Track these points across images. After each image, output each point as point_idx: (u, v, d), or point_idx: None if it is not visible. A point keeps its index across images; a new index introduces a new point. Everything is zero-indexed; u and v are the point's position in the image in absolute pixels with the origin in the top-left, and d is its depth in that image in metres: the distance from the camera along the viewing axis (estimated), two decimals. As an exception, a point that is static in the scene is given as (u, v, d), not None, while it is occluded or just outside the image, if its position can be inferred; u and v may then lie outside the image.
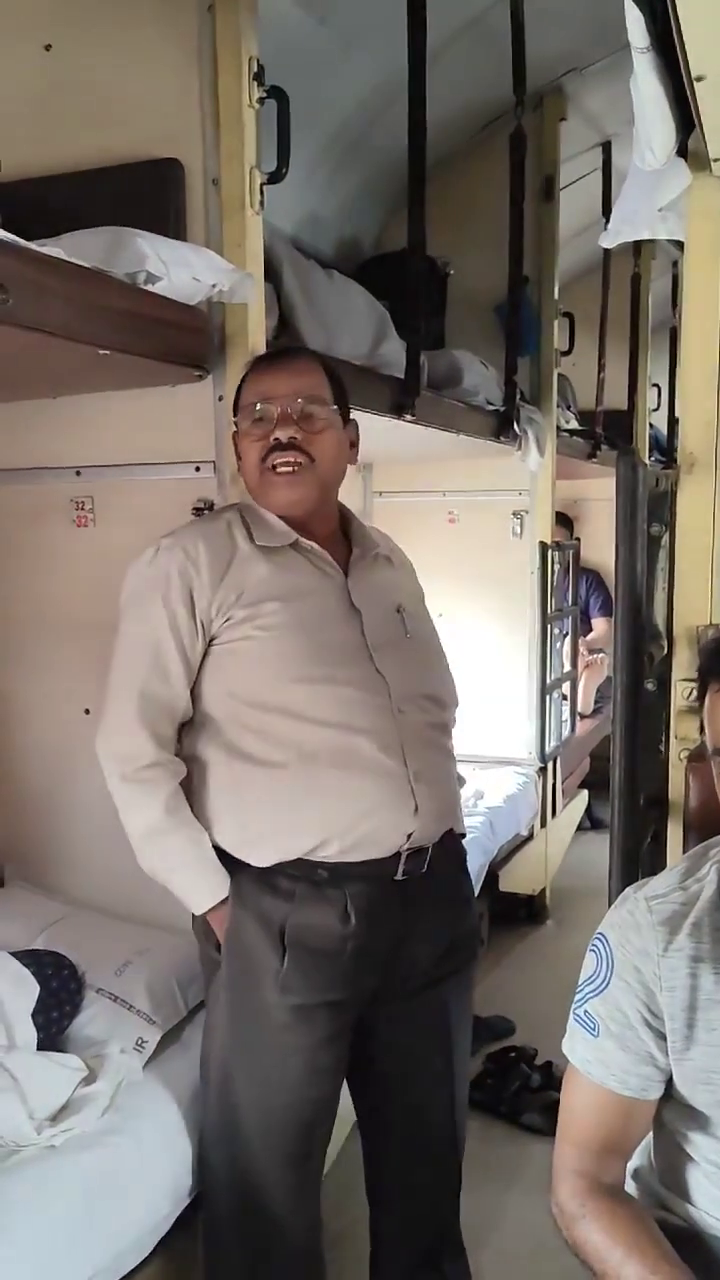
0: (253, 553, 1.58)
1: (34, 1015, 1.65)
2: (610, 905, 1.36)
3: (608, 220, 4.17)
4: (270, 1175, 1.58)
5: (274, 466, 1.58)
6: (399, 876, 1.58)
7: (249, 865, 1.56)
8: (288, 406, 1.57)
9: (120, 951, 1.84)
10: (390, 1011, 1.65)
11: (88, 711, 2.04)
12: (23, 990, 1.66)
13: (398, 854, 1.56)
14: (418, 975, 1.65)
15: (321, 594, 1.60)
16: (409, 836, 1.56)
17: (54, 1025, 1.69)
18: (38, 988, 1.67)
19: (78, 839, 2.11)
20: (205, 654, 1.56)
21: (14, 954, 1.75)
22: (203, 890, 1.56)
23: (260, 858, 1.55)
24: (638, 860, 1.40)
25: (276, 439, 1.57)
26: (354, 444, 1.69)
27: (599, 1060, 1.20)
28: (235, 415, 1.65)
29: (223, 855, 1.58)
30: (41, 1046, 1.65)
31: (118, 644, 1.61)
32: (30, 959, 1.74)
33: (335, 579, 1.62)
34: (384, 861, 1.56)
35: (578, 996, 1.27)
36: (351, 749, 1.53)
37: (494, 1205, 2.17)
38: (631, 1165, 1.29)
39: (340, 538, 1.70)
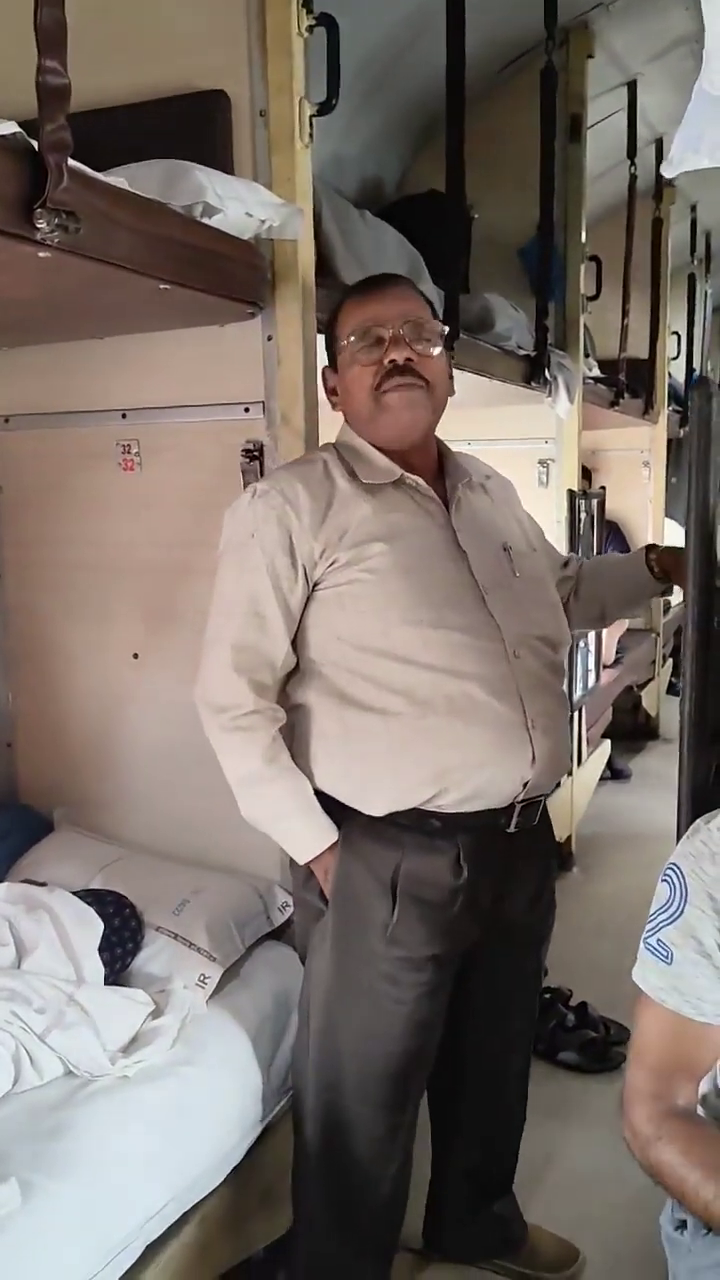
0: (354, 492, 1.52)
1: (99, 952, 1.67)
2: (679, 838, 1.38)
3: (632, 162, 4.12)
4: (365, 1124, 1.58)
5: (388, 391, 1.52)
6: (511, 829, 1.55)
7: (359, 813, 1.52)
8: (399, 329, 1.52)
9: (176, 891, 1.86)
10: (483, 968, 1.66)
11: (136, 656, 2.06)
12: (88, 927, 1.68)
13: (511, 805, 1.53)
14: (515, 931, 1.66)
15: (426, 533, 1.54)
16: (525, 786, 1.52)
17: (118, 962, 1.72)
18: (102, 924, 1.69)
19: (128, 783, 2.12)
20: (309, 599, 1.52)
21: (75, 893, 1.77)
22: (307, 838, 1.54)
23: (373, 807, 1.51)
24: (707, 793, 1.40)
25: (392, 361, 1.51)
26: (450, 374, 1.64)
27: (672, 988, 1.22)
28: (332, 347, 1.59)
29: (331, 803, 1.54)
30: (106, 983, 1.67)
31: (214, 592, 1.56)
32: (91, 897, 1.76)
33: (438, 517, 1.56)
34: (498, 812, 1.52)
35: (649, 926, 1.28)
36: (466, 695, 1.48)
37: (534, 1141, 2.20)
38: (701, 1090, 1.31)
39: (438, 473, 1.63)
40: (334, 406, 1.65)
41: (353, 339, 1.54)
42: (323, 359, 1.69)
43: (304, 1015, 1.62)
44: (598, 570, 1.90)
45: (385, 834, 1.51)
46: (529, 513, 1.82)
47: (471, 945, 1.61)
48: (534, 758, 1.51)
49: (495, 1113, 1.82)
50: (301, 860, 1.56)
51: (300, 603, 1.52)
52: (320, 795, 1.54)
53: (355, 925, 1.53)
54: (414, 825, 1.50)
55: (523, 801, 1.54)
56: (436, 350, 1.56)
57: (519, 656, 1.53)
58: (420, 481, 1.57)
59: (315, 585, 1.51)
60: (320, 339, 1.73)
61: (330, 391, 1.64)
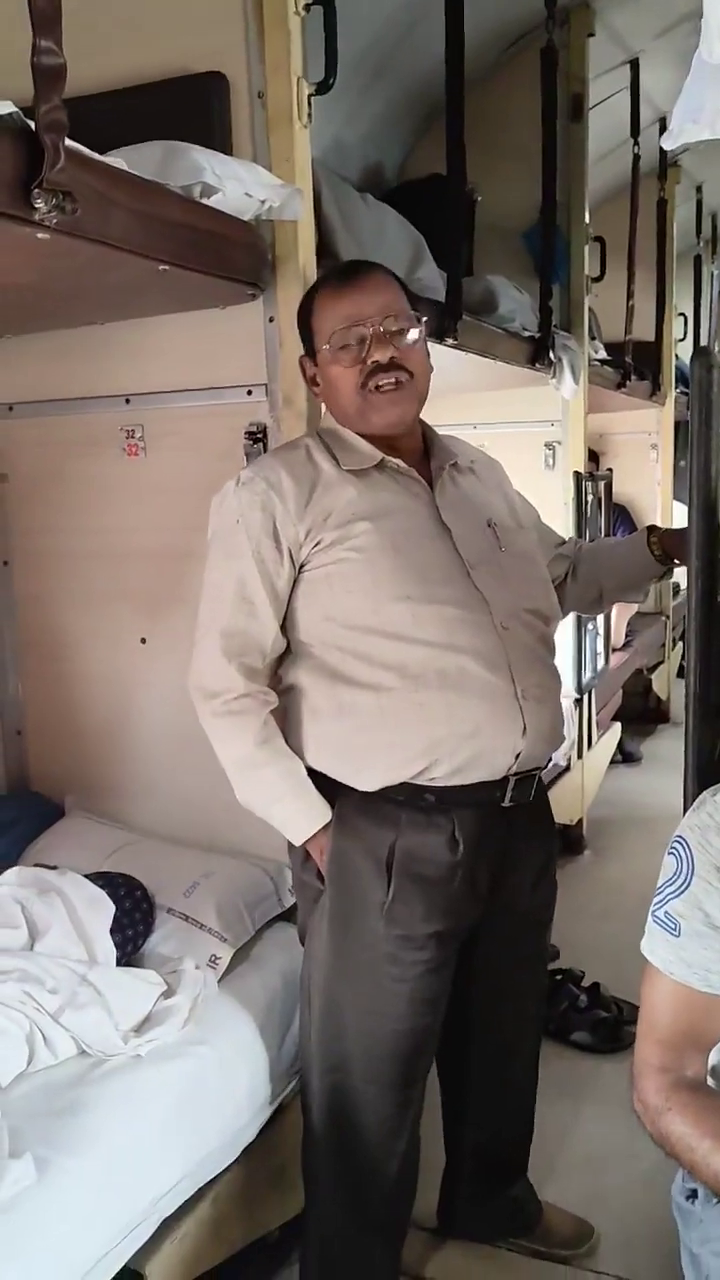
0: (339, 476, 1.54)
1: (110, 933, 1.68)
2: (685, 810, 1.38)
3: (636, 141, 4.09)
4: (372, 1103, 1.58)
5: (376, 387, 1.53)
6: (506, 803, 1.55)
7: (353, 790, 1.53)
8: (379, 326, 1.52)
9: (186, 874, 1.87)
10: (485, 949, 1.66)
11: (144, 641, 2.07)
12: (99, 909, 1.69)
13: (505, 779, 1.54)
14: (516, 908, 1.66)
15: (410, 512, 1.55)
16: (517, 758, 1.52)
17: (129, 943, 1.73)
18: (113, 906, 1.70)
19: (137, 768, 2.13)
20: (297, 581, 1.53)
21: (86, 876, 1.78)
22: (301, 819, 1.54)
23: (365, 782, 1.52)
24: (712, 768, 1.40)
25: (376, 361, 1.52)
26: (427, 352, 1.64)
27: (680, 960, 1.22)
28: (312, 340, 1.59)
29: (325, 781, 1.55)
30: (118, 964, 1.68)
31: (204, 580, 1.58)
32: (103, 880, 1.77)
33: (422, 496, 1.58)
34: (492, 785, 1.53)
35: (656, 899, 1.28)
36: (457, 668, 1.49)
37: (548, 1120, 2.21)
38: (710, 1061, 1.32)
39: (423, 454, 1.65)
40: (315, 395, 1.66)
41: (333, 340, 1.54)
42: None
43: (306, 996, 1.62)
44: (596, 553, 1.90)
45: (380, 811, 1.52)
46: (521, 493, 1.82)
47: (473, 925, 1.61)
48: (525, 728, 1.52)
49: (504, 1093, 1.83)
50: (297, 841, 1.57)
51: (287, 586, 1.53)
52: (313, 774, 1.55)
53: (353, 905, 1.54)
54: (408, 801, 1.51)
55: (516, 775, 1.55)
56: (414, 336, 1.57)
57: (508, 629, 1.54)
58: (401, 464, 1.58)
59: (302, 567, 1.52)
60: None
61: (311, 381, 1.65)
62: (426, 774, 1.50)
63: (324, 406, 1.69)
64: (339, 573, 1.50)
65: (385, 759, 1.50)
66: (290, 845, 1.62)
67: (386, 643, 1.49)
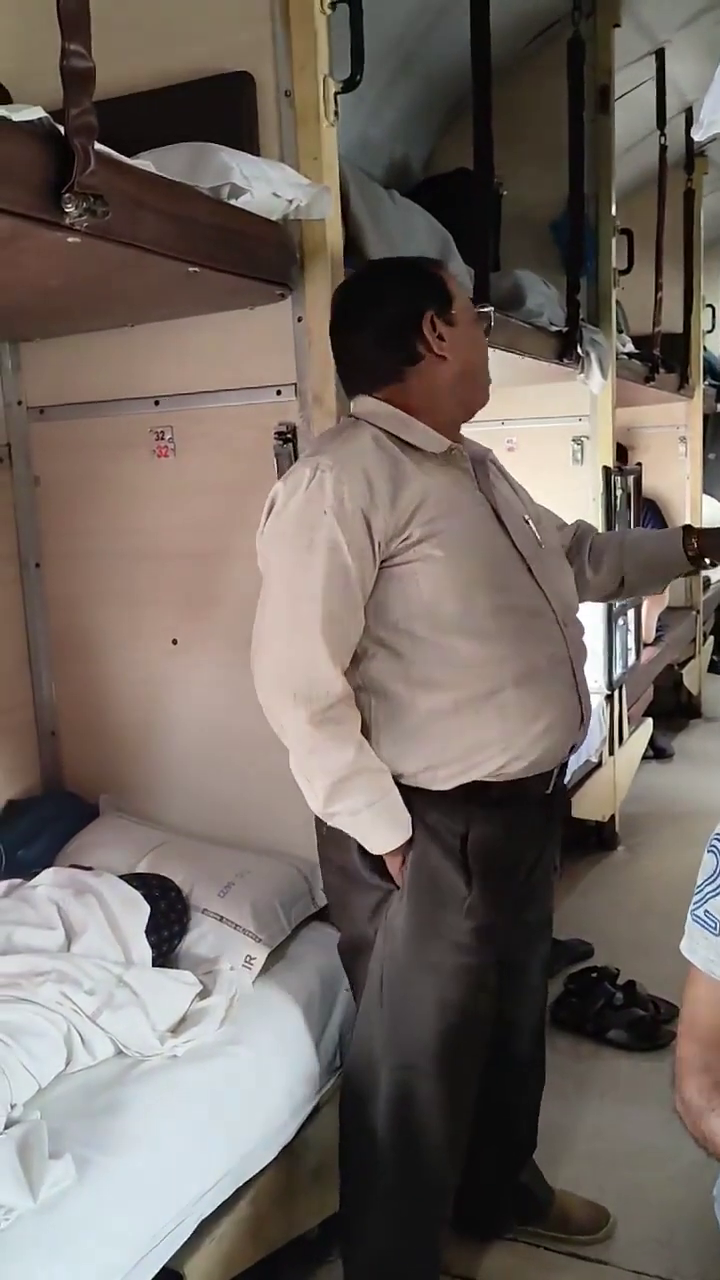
0: (415, 466, 1.48)
1: (146, 934, 1.69)
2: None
3: (663, 132, 4.06)
4: (445, 1099, 1.58)
5: None
6: (549, 790, 1.59)
7: (426, 790, 1.50)
8: None
9: (222, 874, 1.87)
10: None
11: (175, 642, 2.07)
12: (135, 910, 1.70)
13: (553, 769, 1.57)
14: (541, 889, 1.69)
15: (475, 506, 1.53)
16: (573, 750, 1.58)
17: (165, 944, 1.74)
18: (149, 907, 1.71)
19: (170, 768, 2.14)
20: (377, 578, 1.46)
21: (121, 877, 1.79)
22: (387, 831, 1.49)
23: (441, 782, 1.50)
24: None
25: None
26: None
27: (722, 958, 1.21)
28: (449, 301, 1.56)
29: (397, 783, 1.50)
30: (154, 965, 1.69)
31: (278, 573, 1.47)
32: (138, 882, 1.78)
33: (474, 491, 1.55)
34: (545, 777, 1.56)
35: (696, 898, 1.28)
36: (533, 667, 1.50)
37: (583, 1117, 2.21)
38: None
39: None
40: (430, 352, 1.54)
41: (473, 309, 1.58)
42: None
43: (373, 999, 1.58)
44: (623, 545, 1.86)
45: (450, 807, 1.51)
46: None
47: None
48: (583, 719, 1.58)
49: (514, 1074, 1.81)
50: (380, 852, 1.51)
51: (372, 581, 1.46)
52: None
53: (435, 903, 1.52)
54: (473, 796, 1.51)
55: (562, 764, 1.59)
56: None
57: (568, 625, 1.57)
58: (462, 450, 1.57)
59: (384, 561, 1.46)
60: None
61: (436, 335, 1.54)
62: (500, 771, 1.51)
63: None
64: (425, 571, 1.45)
65: (463, 759, 1.49)
66: (324, 844, 1.60)
67: (468, 643, 1.47)
